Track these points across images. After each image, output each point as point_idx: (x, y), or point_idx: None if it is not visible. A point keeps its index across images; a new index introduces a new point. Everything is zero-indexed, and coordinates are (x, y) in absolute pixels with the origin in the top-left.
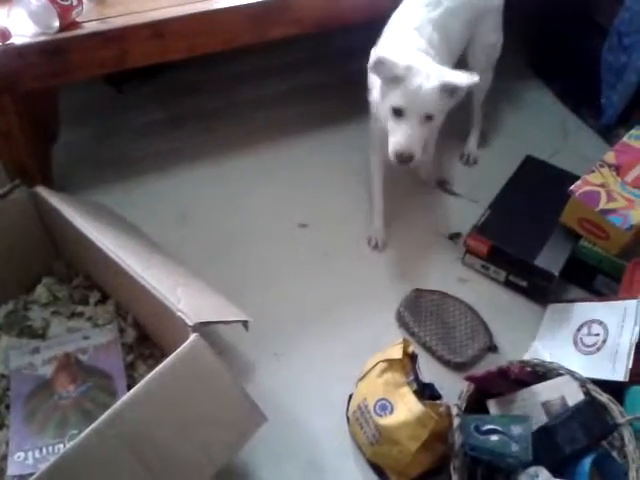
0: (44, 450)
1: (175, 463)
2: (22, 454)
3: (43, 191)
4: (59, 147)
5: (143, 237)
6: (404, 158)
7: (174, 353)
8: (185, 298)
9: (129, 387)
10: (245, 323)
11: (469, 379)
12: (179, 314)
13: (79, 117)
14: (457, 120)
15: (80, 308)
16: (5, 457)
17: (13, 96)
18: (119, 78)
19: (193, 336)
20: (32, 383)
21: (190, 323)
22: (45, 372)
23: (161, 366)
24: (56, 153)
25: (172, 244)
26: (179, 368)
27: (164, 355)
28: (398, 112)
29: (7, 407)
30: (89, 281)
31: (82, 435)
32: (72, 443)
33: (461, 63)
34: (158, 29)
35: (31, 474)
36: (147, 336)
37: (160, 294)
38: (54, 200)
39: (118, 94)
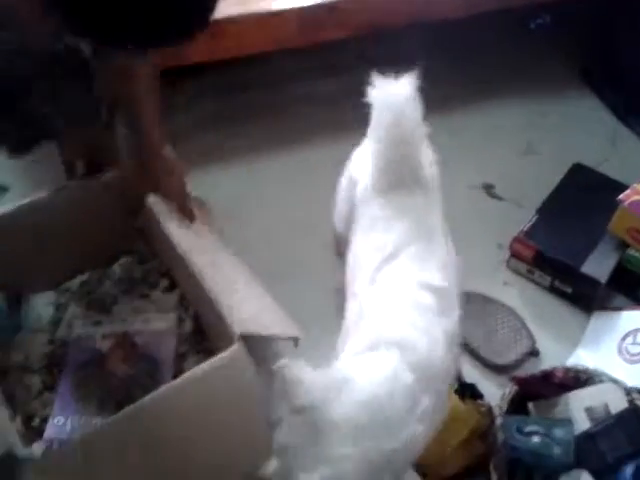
0: (82, 420)
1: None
2: (62, 418)
3: None
4: None
5: (212, 234)
6: None
7: (212, 359)
8: (240, 304)
9: (174, 377)
10: (296, 340)
11: (514, 380)
12: (228, 320)
13: None
14: None
15: (148, 291)
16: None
17: None
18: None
19: (235, 345)
20: (87, 354)
21: (236, 331)
22: (102, 346)
23: (195, 370)
24: None
25: None
26: (214, 375)
27: (215, 351)
28: None
29: (60, 372)
30: (163, 267)
31: (107, 421)
32: (96, 426)
33: None
34: (211, 29)
35: (63, 441)
36: (204, 330)
37: (215, 296)
38: None
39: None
